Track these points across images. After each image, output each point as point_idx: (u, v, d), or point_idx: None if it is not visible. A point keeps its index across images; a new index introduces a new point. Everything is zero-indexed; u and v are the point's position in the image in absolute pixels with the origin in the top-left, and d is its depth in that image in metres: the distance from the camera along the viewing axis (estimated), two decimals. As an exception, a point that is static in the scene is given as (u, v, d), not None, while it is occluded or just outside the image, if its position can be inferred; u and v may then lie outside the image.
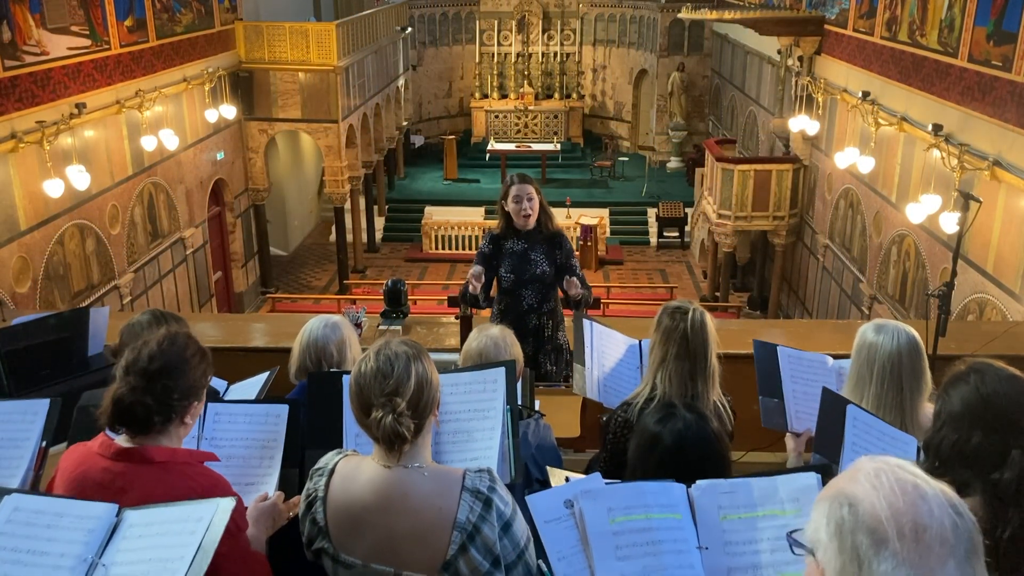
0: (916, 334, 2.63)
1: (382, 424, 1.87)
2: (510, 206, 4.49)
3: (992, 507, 1.84)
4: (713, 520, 1.87)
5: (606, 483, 1.97)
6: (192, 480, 2.09)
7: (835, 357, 3.24)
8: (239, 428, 2.56)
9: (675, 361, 2.71)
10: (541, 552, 1.88)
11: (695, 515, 1.88)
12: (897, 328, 2.61)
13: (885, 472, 1.15)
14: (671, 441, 2.16)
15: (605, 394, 3.28)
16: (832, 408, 2.52)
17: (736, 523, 1.86)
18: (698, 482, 1.91)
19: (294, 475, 2.49)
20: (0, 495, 1.87)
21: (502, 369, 2.42)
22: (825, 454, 2.52)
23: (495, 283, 4.70)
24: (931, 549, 1.08)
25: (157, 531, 1.83)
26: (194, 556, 1.76)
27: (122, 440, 2.09)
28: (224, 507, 1.86)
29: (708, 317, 2.77)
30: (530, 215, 4.46)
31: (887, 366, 2.57)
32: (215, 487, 2.12)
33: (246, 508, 2.28)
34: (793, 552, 1.23)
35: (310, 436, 2.49)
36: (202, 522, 1.82)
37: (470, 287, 4.43)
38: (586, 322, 3.41)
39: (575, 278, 4.38)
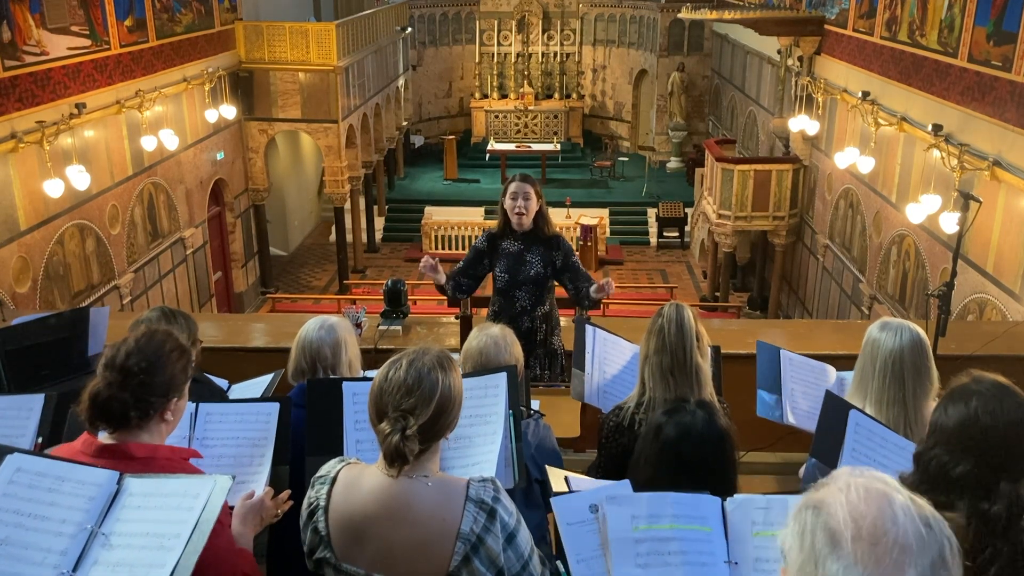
0: (921, 332, 2.61)
1: (388, 440, 1.86)
2: (507, 202, 4.46)
3: (979, 535, 1.80)
4: (745, 535, 1.84)
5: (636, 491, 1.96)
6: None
7: (837, 358, 3.24)
8: (229, 428, 2.56)
9: (654, 356, 2.72)
10: (561, 553, 1.87)
11: (727, 529, 1.86)
12: (902, 326, 2.61)
13: (858, 480, 1.17)
14: (675, 433, 2.17)
15: (604, 400, 3.27)
16: (834, 412, 2.51)
17: (769, 540, 1.83)
18: (735, 496, 1.90)
19: (284, 472, 2.48)
20: (2, 453, 1.85)
21: (503, 374, 2.42)
22: (822, 458, 2.50)
23: (490, 283, 4.68)
24: (888, 554, 1.08)
25: (156, 503, 1.82)
26: (191, 533, 1.76)
27: (104, 437, 2.08)
28: (222, 485, 1.85)
29: (688, 313, 2.76)
30: (523, 215, 4.41)
31: (888, 363, 2.56)
32: None
33: (231, 506, 2.26)
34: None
35: (309, 443, 2.47)
36: (199, 499, 1.81)
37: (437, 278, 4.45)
38: (588, 328, 3.40)
39: (593, 285, 4.34)
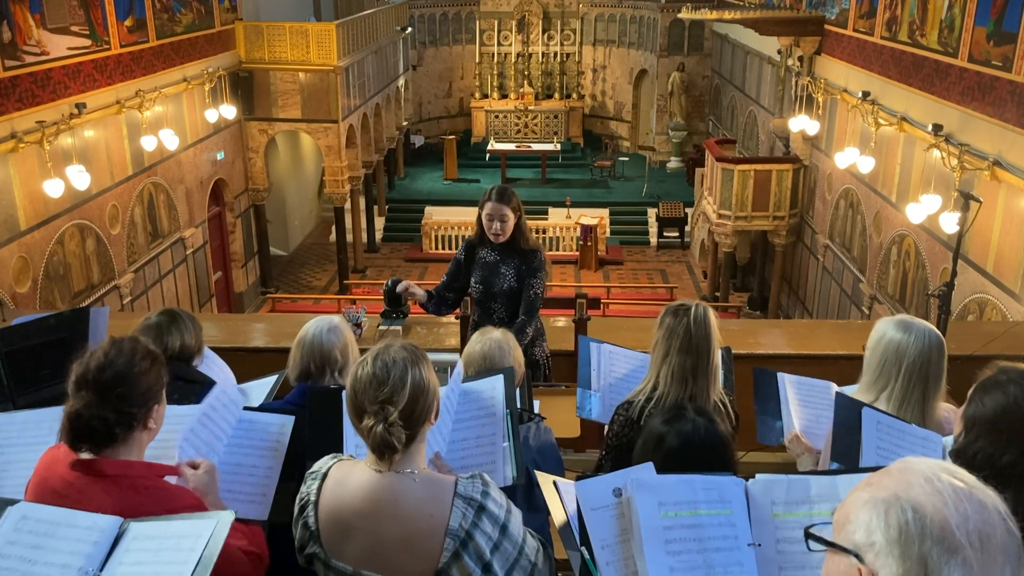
0: (940, 334, 2.62)
1: (373, 432, 1.87)
2: (483, 220, 4.35)
3: None
4: (766, 516, 1.83)
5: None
6: (145, 497, 2.03)
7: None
8: (243, 435, 2.57)
9: (677, 356, 2.66)
10: (585, 539, 1.86)
11: (750, 511, 1.84)
12: (927, 328, 2.59)
13: (939, 477, 1.12)
14: (677, 443, 2.14)
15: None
16: (847, 413, 2.49)
17: (790, 520, 1.82)
18: (757, 476, 1.88)
19: (291, 488, 2.46)
20: (4, 505, 1.86)
21: (500, 376, 2.43)
22: (842, 460, 2.49)
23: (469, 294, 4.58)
24: (995, 558, 1.06)
25: (158, 546, 1.82)
26: (193, 571, 1.75)
27: (84, 451, 2.04)
28: (224, 521, 1.84)
29: (712, 313, 2.73)
30: (500, 235, 4.31)
31: (916, 365, 2.55)
32: (170, 501, 2.05)
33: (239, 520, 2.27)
34: (809, 548, 1.20)
35: (310, 452, 2.49)
36: (201, 539, 1.80)
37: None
38: (593, 345, 3.34)
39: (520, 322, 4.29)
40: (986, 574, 1.05)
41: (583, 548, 1.85)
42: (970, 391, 2.03)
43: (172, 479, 2.18)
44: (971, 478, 1.13)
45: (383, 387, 1.88)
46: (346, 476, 1.97)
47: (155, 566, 1.79)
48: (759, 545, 1.81)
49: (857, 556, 1.12)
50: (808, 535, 1.21)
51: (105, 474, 2.01)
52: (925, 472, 1.12)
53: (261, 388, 3.29)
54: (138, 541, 1.83)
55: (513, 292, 4.37)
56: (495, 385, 2.43)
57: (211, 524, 1.84)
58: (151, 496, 2.04)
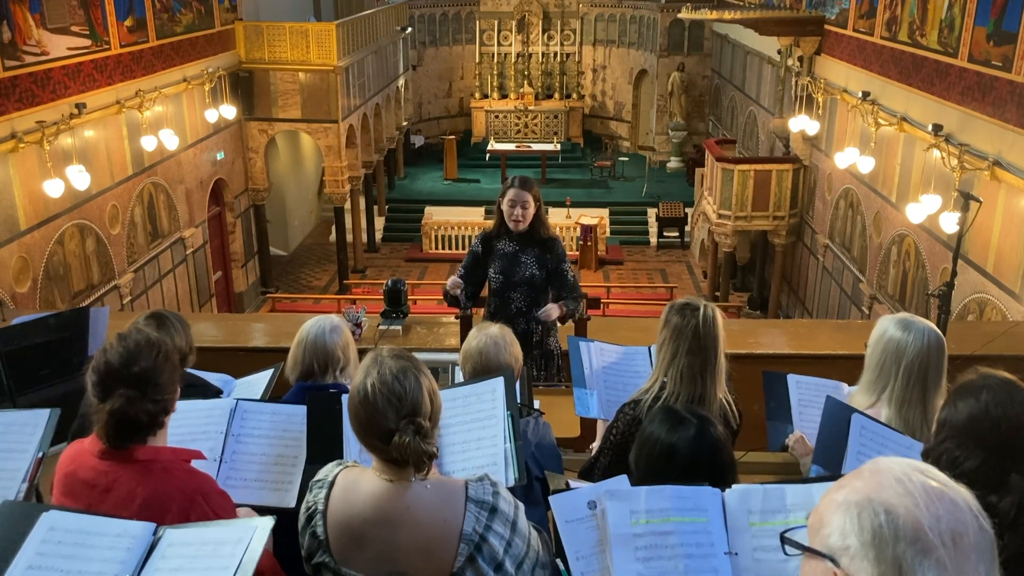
0: (940, 333, 2.62)
1: (410, 448, 1.82)
2: (504, 207, 4.44)
3: None
4: (743, 525, 1.82)
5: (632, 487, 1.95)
6: (174, 479, 2.08)
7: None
8: (266, 428, 2.64)
9: (687, 357, 2.66)
10: (560, 551, 1.86)
11: (727, 520, 1.84)
12: (927, 328, 2.59)
13: (910, 477, 1.12)
14: (688, 451, 2.08)
15: (611, 410, 3.24)
16: (836, 418, 2.48)
17: (767, 529, 1.81)
18: (734, 487, 1.88)
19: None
20: (38, 512, 1.83)
21: (500, 379, 2.43)
22: (826, 465, 2.48)
23: (486, 284, 4.64)
24: (968, 556, 1.06)
25: (195, 552, 1.79)
26: None
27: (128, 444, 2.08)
28: (263, 527, 1.79)
29: (719, 313, 2.73)
30: (520, 222, 4.40)
31: (915, 365, 2.54)
32: (198, 485, 2.11)
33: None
34: (785, 553, 1.20)
35: (310, 453, 2.51)
36: (240, 544, 1.76)
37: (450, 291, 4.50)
38: (583, 344, 3.36)
39: (549, 309, 4.38)
40: (960, 570, 1.05)
41: (558, 559, 1.86)
42: (949, 394, 2.05)
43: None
44: (943, 476, 1.13)
45: (404, 401, 1.85)
46: (355, 484, 1.94)
47: (193, 573, 1.75)
48: (736, 554, 1.81)
49: (833, 560, 1.12)
50: (783, 540, 1.21)
51: (137, 460, 2.06)
52: (896, 473, 1.13)
53: (258, 383, 3.30)
54: (174, 548, 1.80)
55: (535, 280, 4.48)
56: (495, 387, 2.42)
57: (250, 530, 1.79)
58: (180, 479, 2.09)
